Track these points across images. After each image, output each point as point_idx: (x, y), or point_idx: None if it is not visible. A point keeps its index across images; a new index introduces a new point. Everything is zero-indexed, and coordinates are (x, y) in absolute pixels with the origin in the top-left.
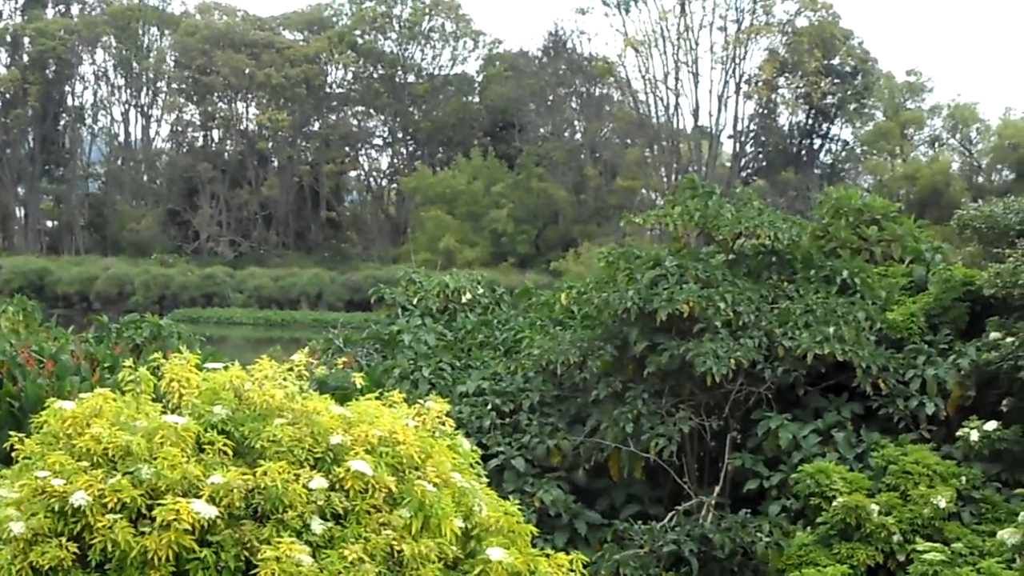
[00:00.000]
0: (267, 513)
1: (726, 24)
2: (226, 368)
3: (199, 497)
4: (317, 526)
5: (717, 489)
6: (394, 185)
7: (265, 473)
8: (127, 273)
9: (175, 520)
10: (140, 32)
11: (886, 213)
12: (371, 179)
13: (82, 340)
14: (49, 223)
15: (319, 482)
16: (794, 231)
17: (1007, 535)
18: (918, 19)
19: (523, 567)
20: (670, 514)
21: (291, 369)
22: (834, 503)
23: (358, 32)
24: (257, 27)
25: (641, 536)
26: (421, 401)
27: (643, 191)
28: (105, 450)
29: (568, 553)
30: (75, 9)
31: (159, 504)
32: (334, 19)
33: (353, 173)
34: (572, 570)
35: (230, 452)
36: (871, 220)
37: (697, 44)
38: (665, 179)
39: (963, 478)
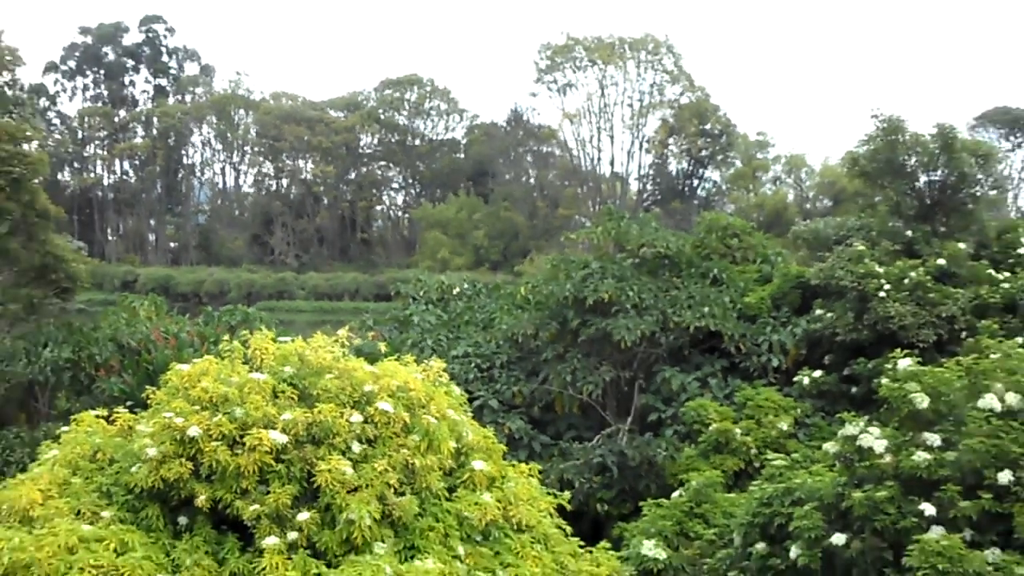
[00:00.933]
0: (321, 439)
1: (632, 102)
2: (293, 340)
3: (275, 429)
4: (356, 447)
5: (629, 419)
6: (407, 215)
7: (320, 412)
8: (225, 278)
9: (259, 445)
10: (232, 112)
11: (744, 229)
12: (391, 211)
13: (195, 324)
14: (172, 244)
15: (357, 417)
16: (680, 242)
17: (830, 446)
18: (768, 94)
19: (497, 473)
20: (597, 437)
21: (336, 340)
22: (710, 428)
23: (381, 111)
24: (312, 108)
25: (578, 452)
26: (426, 361)
27: (577, 217)
28: (211, 397)
29: (528, 464)
30: (188, 97)
31: (248, 434)
32: (365, 102)
33: (379, 207)
34: (531, 475)
35: (296, 398)
36: (733, 234)
37: (612, 116)
38: (592, 208)
39: (798, 410)
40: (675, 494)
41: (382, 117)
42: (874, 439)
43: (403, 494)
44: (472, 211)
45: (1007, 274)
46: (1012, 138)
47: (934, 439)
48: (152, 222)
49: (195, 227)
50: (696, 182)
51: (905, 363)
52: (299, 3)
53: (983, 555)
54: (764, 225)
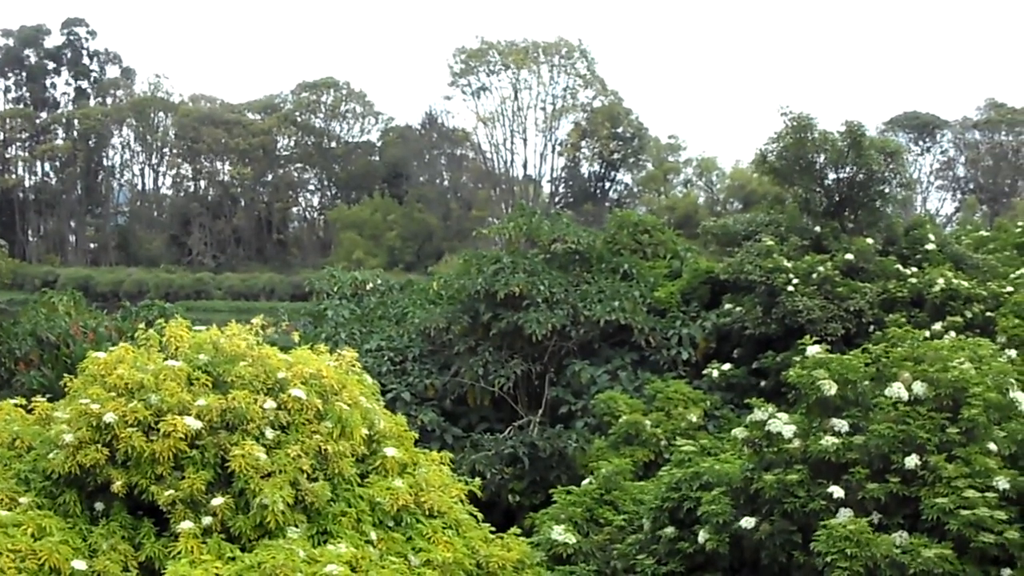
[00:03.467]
0: (235, 425)
1: (545, 105)
2: (207, 329)
3: (190, 415)
4: (269, 433)
5: (540, 412)
6: (322, 216)
7: (234, 398)
8: (144, 278)
9: (173, 431)
10: (152, 115)
11: (655, 225)
12: (307, 212)
13: (113, 319)
14: (92, 245)
15: (270, 404)
16: (591, 238)
17: (739, 432)
18: (679, 98)
19: (409, 460)
20: (508, 429)
21: (250, 329)
22: (620, 420)
23: (298, 113)
24: (229, 110)
25: (489, 443)
26: (339, 351)
27: (490, 219)
28: (126, 384)
29: (440, 453)
30: (109, 100)
31: (163, 420)
32: (281, 104)
33: (295, 209)
34: (442, 462)
35: (210, 385)
36: (644, 230)
37: (526, 119)
38: (505, 210)
39: (708, 402)
40: (585, 482)
41: (298, 120)
42: (783, 424)
43: (316, 480)
44: (387, 213)
45: (915, 269)
46: (921, 143)
47: (842, 424)
48: (72, 223)
49: (114, 228)
50: (608, 184)
51: (814, 350)
52: (218, 6)
53: (891, 538)
54: (675, 227)
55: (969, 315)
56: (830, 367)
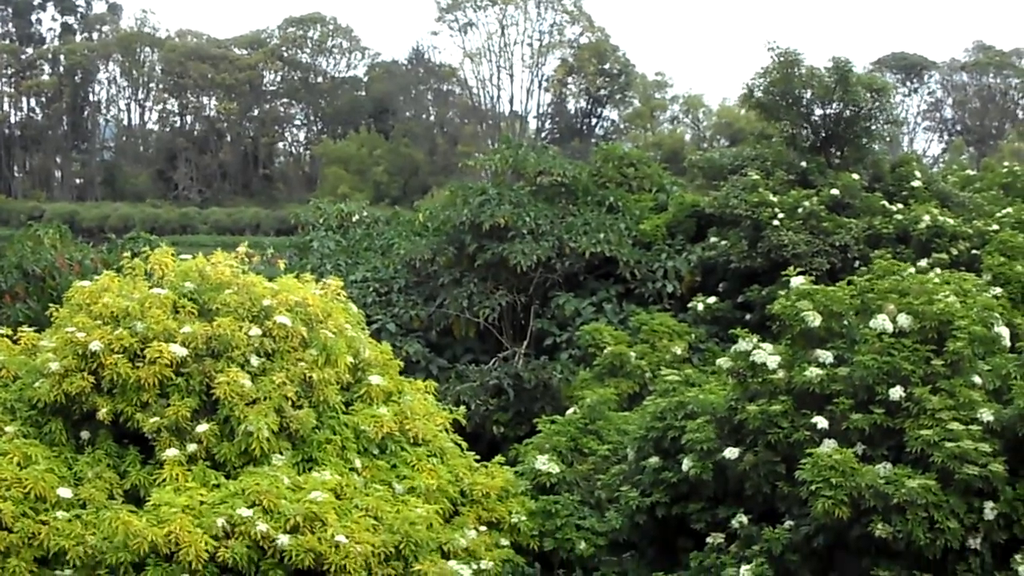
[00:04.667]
0: (221, 352)
1: (532, 42)
2: (193, 258)
3: (175, 342)
4: (255, 361)
5: (525, 344)
6: (308, 151)
7: (219, 325)
8: (130, 213)
9: (159, 358)
10: (138, 50)
11: (640, 158)
12: (293, 148)
13: (99, 252)
14: (78, 180)
15: (255, 331)
16: (577, 170)
17: (723, 362)
18: (667, 35)
19: (394, 388)
20: (493, 360)
21: (236, 257)
22: (605, 351)
23: (284, 48)
24: (216, 45)
25: (474, 374)
26: (324, 280)
27: (476, 154)
28: (112, 312)
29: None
30: (95, 35)
31: (148, 348)
32: (268, 39)
33: (281, 144)
34: (427, 391)
35: (196, 312)
36: (630, 163)
37: (512, 55)
38: (491, 146)
39: (693, 335)
40: (569, 412)
41: (285, 55)
42: (767, 355)
43: (301, 407)
44: (373, 148)
45: (900, 206)
46: (908, 84)
47: (826, 356)
48: (58, 159)
49: (100, 163)
50: (594, 121)
51: (798, 281)
52: None
53: (875, 469)
54: (661, 163)
55: (955, 252)
56: (814, 299)
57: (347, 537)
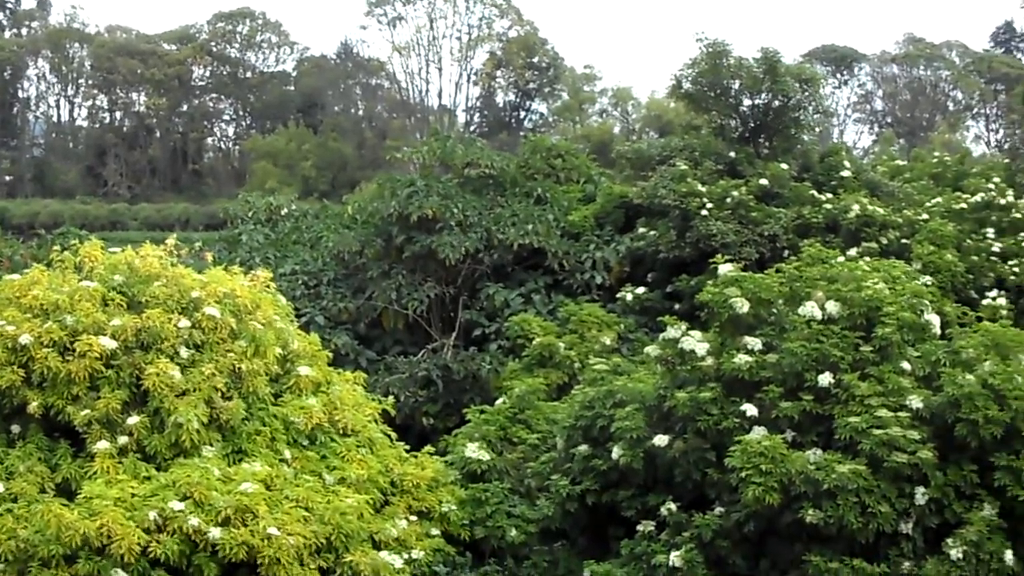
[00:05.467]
0: (150, 344)
1: (461, 35)
2: (122, 251)
3: (105, 335)
4: (184, 352)
5: (454, 335)
6: (237, 146)
7: (148, 317)
8: (60, 210)
9: (89, 351)
10: (67, 46)
11: (568, 150)
12: (222, 143)
13: (28, 247)
14: (7, 177)
15: (184, 323)
16: (505, 162)
17: (651, 349)
18: (595, 29)
19: (323, 379)
20: (422, 352)
21: (164, 250)
22: (534, 342)
23: (213, 44)
24: (145, 41)
25: (403, 366)
26: (253, 272)
27: (404, 148)
28: (42, 305)
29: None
30: (24, 31)
31: (78, 340)
32: (197, 35)
33: (210, 139)
34: (356, 382)
35: (125, 305)
36: (558, 155)
37: (441, 48)
38: (419, 140)
39: (621, 325)
40: (499, 401)
41: (214, 50)
42: (696, 342)
43: (230, 398)
44: (301, 142)
45: (830, 196)
46: (839, 76)
47: (755, 343)
48: None
49: (30, 160)
50: (523, 114)
51: (726, 268)
52: None
53: (805, 455)
54: (589, 155)
55: (884, 241)
56: (743, 286)
57: (279, 529)
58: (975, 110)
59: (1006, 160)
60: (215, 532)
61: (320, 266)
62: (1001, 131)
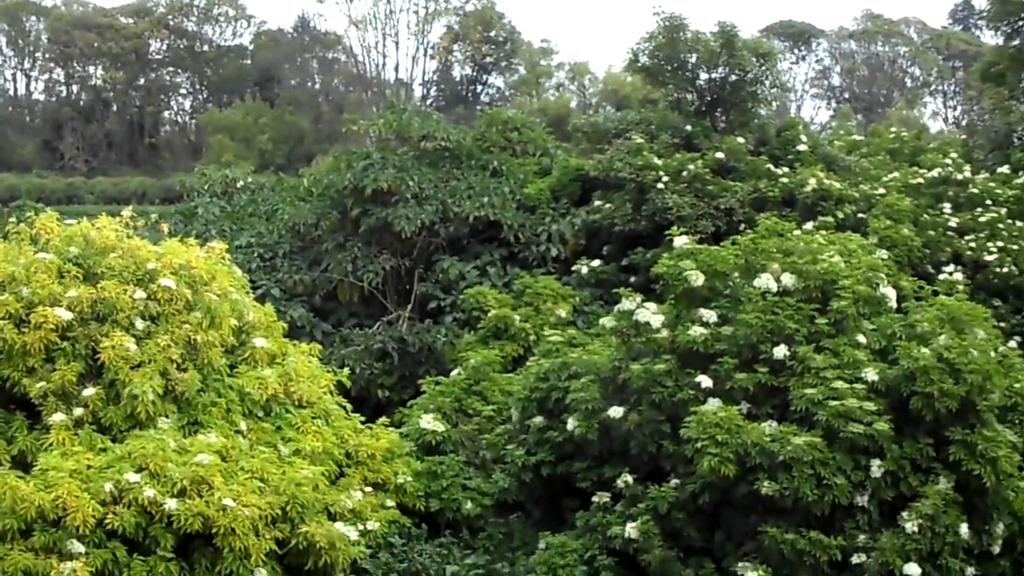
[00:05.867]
0: (106, 316)
1: (418, 8)
2: (78, 223)
3: (60, 306)
4: (139, 324)
5: (410, 307)
6: (194, 120)
7: (104, 289)
8: (16, 183)
9: (44, 322)
10: (24, 19)
11: (524, 123)
12: (179, 116)
13: None
14: None
15: (140, 294)
16: (461, 135)
17: (606, 321)
18: (552, 1)
19: (278, 351)
20: (378, 324)
21: (120, 221)
22: (489, 314)
23: (170, 17)
24: (102, 14)
25: (359, 338)
26: (209, 244)
27: (361, 121)
28: None
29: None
30: None
31: (33, 312)
32: (154, 8)
33: (167, 113)
34: (312, 354)
35: (81, 276)
36: (514, 128)
37: (398, 22)
38: (376, 113)
39: (577, 298)
40: (454, 373)
41: (171, 23)
42: (650, 314)
43: (185, 370)
44: (258, 116)
45: (786, 169)
46: (796, 51)
47: (710, 315)
48: None
49: None
50: (480, 88)
51: (681, 241)
52: None
53: (760, 427)
54: (546, 128)
55: (841, 216)
56: (698, 258)
57: (234, 500)
58: (933, 87)
59: (963, 136)
60: (171, 503)
61: (276, 239)
62: (959, 108)
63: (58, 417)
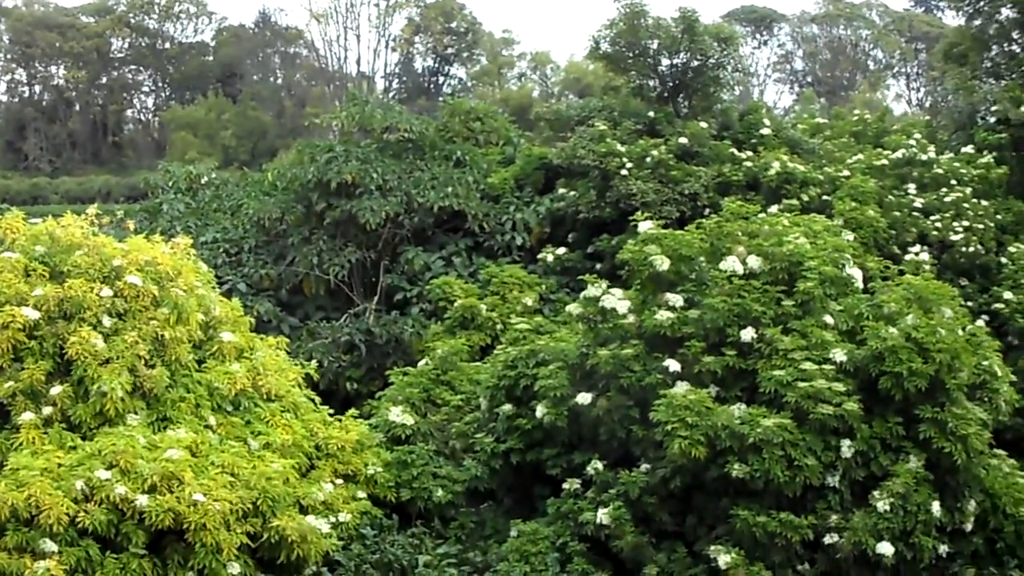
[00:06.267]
0: (73, 314)
1: (379, 1)
2: (44, 221)
3: (27, 305)
4: (107, 321)
5: (376, 299)
6: (157, 118)
7: (71, 287)
8: None
9: (11, 322)
10: None
11: (487, 112)
12: (142, 114)
13: None
14: None
15: (107, 292)
16: (424, 126)
17: (573, 308)
18: None
19: (246, 345)
20: (345, 316)
21: (86, 219)
22: (455, 304)
23: (131, 15)
24: (63, 14)
25: (326, 331)
26: (174, 240)
27: (323, 114)
28: None
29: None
30: None
31: (1, 312)
32: (115, 6)
33: (130, 111)
34: (279, 347)
35: (47, 275)
36: (476, 118)
37: (359, 15)
38: (338, 107)
39: (543, 286)
40: (421, 363)
41: (132, 21)
42: (616, 300)
43: (154, 366)
44: (221, 112)
45: (750, 153)
46: (758, 36)
47: (676, 299)
48: None
49: None
50: (442, 79)
51: (646, 226)
52: None
53: (730, 409)
54: (509, 118)
55: (806, 198)
56: (663, 243)
57: (205, 495)
58: (896, 69)
59: (927, 117)
60: (142, 500)
61: (241, 234)
62: (922, 90)
63: (27, 416)
